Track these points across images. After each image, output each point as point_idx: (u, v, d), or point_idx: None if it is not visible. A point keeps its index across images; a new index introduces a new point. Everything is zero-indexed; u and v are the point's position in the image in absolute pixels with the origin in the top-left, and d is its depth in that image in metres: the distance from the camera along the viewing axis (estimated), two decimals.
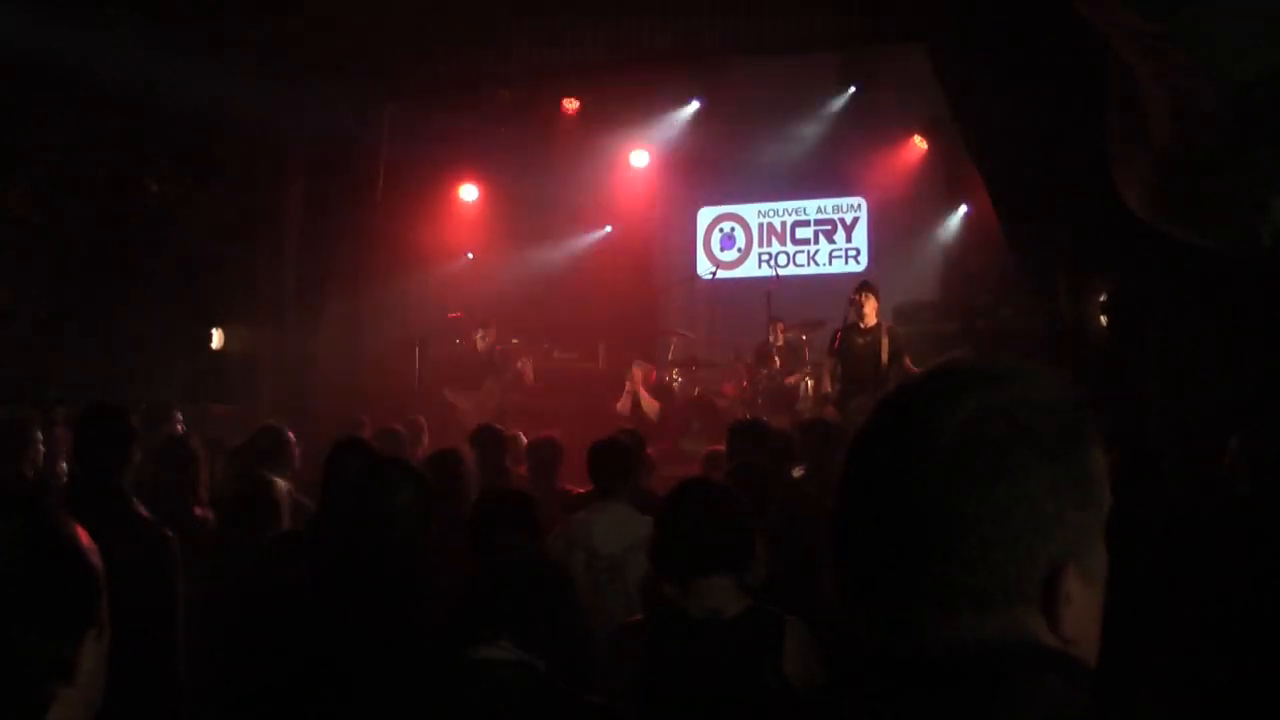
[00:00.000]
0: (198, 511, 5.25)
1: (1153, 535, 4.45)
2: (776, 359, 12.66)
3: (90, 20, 9.24)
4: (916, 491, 1.11)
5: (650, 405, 10.89)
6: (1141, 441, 5.77)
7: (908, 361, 9.55)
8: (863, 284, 10.02)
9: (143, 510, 4.10)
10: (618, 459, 5.12)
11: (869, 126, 13.56)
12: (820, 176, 14.39)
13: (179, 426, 7.55)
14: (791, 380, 12.51)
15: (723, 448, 6.02)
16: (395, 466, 3.43)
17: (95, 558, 1.36)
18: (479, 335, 11.68)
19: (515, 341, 12.44)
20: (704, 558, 3.12)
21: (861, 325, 9.79)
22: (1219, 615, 4.55)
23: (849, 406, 9.52)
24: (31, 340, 9.84)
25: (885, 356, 9.56)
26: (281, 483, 5.11)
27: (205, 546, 4.85)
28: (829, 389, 10.04)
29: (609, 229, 15.19)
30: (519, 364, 11.34)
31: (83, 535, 1.36)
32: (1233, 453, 5.00)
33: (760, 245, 15.66)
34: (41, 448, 5.60)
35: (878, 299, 9.86)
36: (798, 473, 6.53)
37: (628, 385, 11.05)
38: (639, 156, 14.99)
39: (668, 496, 3.38)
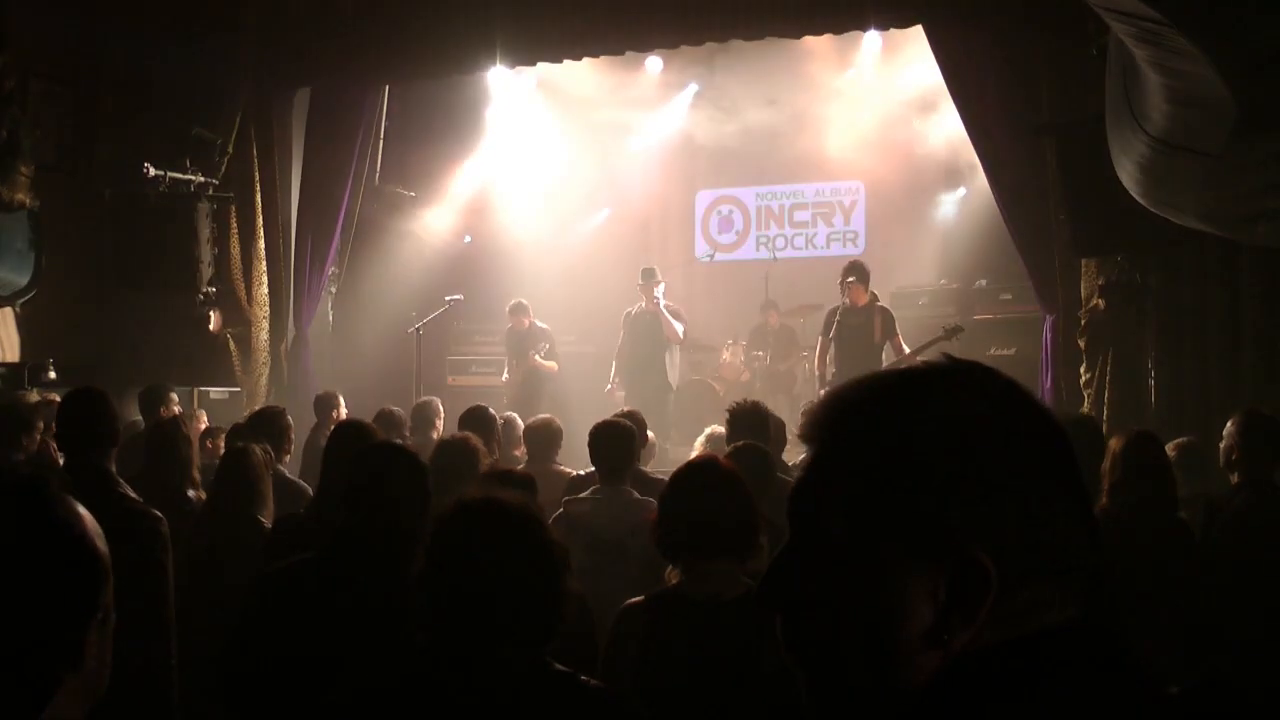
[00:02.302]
0: (190, 493, 5.27)
1: (1158, 520, 4.47)
2: (773, 342, 12.69)
3: (93, 6, 9.20)
4: None
5: (673, 331, 11.01)
6: (1144, 426, 5.79)
7: (899, 340, 9.69)
8: (849, 267, 10.10)
9: (130, 492, 4.09)
10: (619, 442, 5.12)
11: (867, 109, 13.52)
12: (819, 160, 14.36)
13: (175, 409, 7.56)
14: (788, 363, 12.54)
15: (723, 430, 6.02)
16: (388, 450, 3.41)
17: (100, 543, 1.36)
18: (519, 316, 11.80)
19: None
20: (707, 540, 3.13)
21: (854, 306, 9.88)
22: (1221, 597, 4.56)
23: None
24: (31, 322, 9.83)
25: (878, 335, 9.66)
26: (260, 450, 5.11)
27: (198, 527, 4.87)
28: (822, 371, 10.10)
29: (607, 211, 15.17)
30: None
31: (88, 520, 1.36)
32: (1229, 435, 5.02)
33: (758, 228, 15.65)
34: (39, 436, 5.61)
35: (866, 281, 9.94)
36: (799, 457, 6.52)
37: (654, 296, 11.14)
38: (638, 139, 14.96)
39: (673, 477, 3.38)
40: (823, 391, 9.81)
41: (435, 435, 7.62)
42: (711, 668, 3.03)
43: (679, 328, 11.06)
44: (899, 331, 9.90)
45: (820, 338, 10.27)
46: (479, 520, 2.30)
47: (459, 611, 2.23)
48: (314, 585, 3.09)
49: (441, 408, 8.20)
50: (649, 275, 11.13)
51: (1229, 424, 5.07)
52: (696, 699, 3.03)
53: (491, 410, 6.49)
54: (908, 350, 9.67)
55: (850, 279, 9.98)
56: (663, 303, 11.13)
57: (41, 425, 5.60)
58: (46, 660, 1.29)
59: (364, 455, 3.33)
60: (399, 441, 3.48)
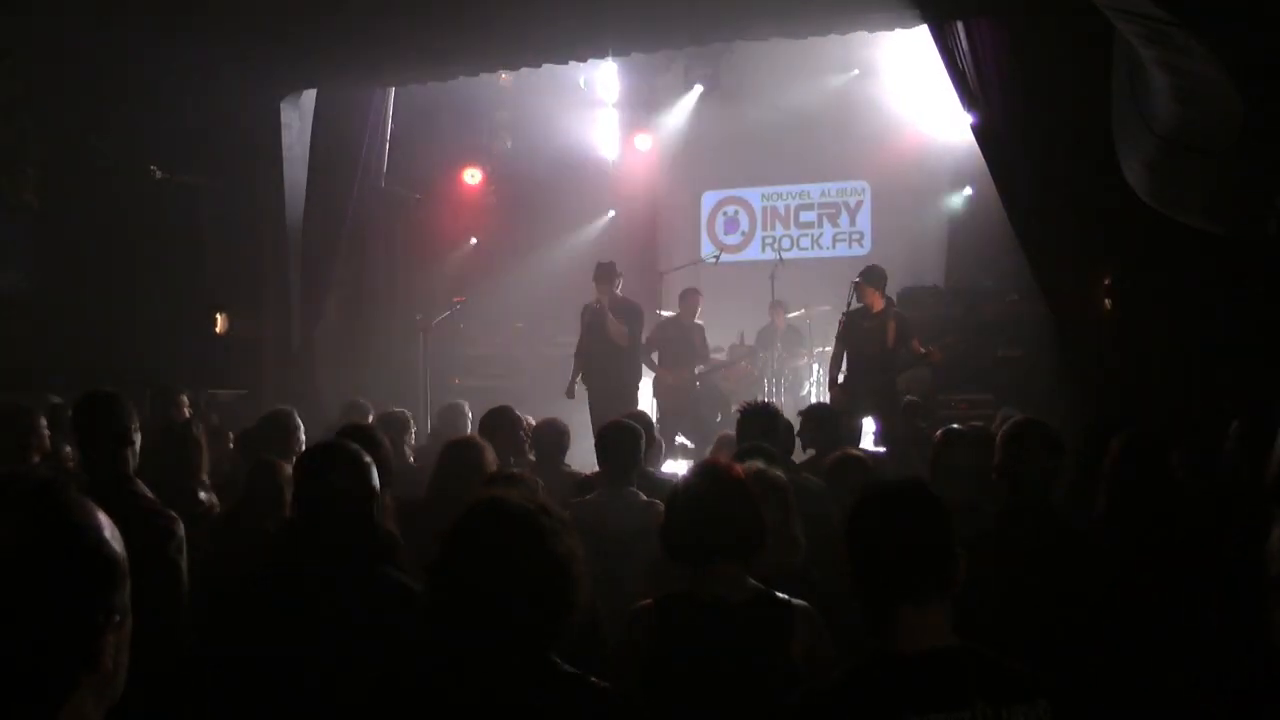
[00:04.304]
0: (200, 496, 5.26)
1: (1159, 520, 4.46)
2: (780, 343, 12.68)
3: (99, 8, 9.22)
4: None
5: (619, 331, 10.17)
6: (1147, 427, 5.77)
7: (916, 344, 9.54)
8: (863, 272, 9.99)
9: (147, 493, 4.10)
10: (627, 443, 5.12)
11: (873, 109, 13.52)
12: (824, 160, 14.36)
13: (186, 411, 7.57)
14: (795, 364, 12.54)
15: (733, 433, 6.01)
16: (328, 450, 3.38)
17: (117, 545, 1.37)
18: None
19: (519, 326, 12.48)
20: (714, 543, 3.13)
21: (868, 310, 9.78)
22: (1223, 600, 4.56)
23: (856, 390, 9.54)
24: (37, 325, 9.85)
25: (891, 339, 9.56)
26: (288, 468, 5.10)
27: (208, 531, 4.86)
28: (833, 375, 10.03)
29: (613, 213, 15.18)
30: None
31: (105, 523, 1.37)
32: (1234, 438, 5.01)
33: (764, 229, 15.66)
34: (46, 433, 5.61)
35: (879, 286, 9.83)
36: (801, 457, 6.53)
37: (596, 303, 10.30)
38: (643, 140, 14.97)
39: (680, 481, 3.38)
40: (836, 393, 9.81)
41: None
42: (719, 670, 3.03)
43: (625, 329, 10.18)
44: (914, 336, 9.70)
45: (836, 344, 10.14)
46: (490, 522, 2.30)
47: (468, 613, 2.23)
48: (265, 588, 3.14)
49: (469, 410, 8.13)
50: (602, 271, 10.28)
51: (1234, 425, 5.06)
52: (705, 701, 3.03)
53: (515, 412, 6.47)
54: (923, 352, 9.57)
55: (858, 281, 9.90)
56: (607, 299, 10.22)
57: (45, 425, 5.61)
58: (64, 661, 1.30)
59: (304, 456, 3.34)
60: (346, 443, 3.44)
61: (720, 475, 3.29)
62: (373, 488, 3.21)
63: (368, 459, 3.27)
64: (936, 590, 2.34)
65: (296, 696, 2.90)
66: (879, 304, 9.78)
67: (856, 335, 9.75)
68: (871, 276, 9.83)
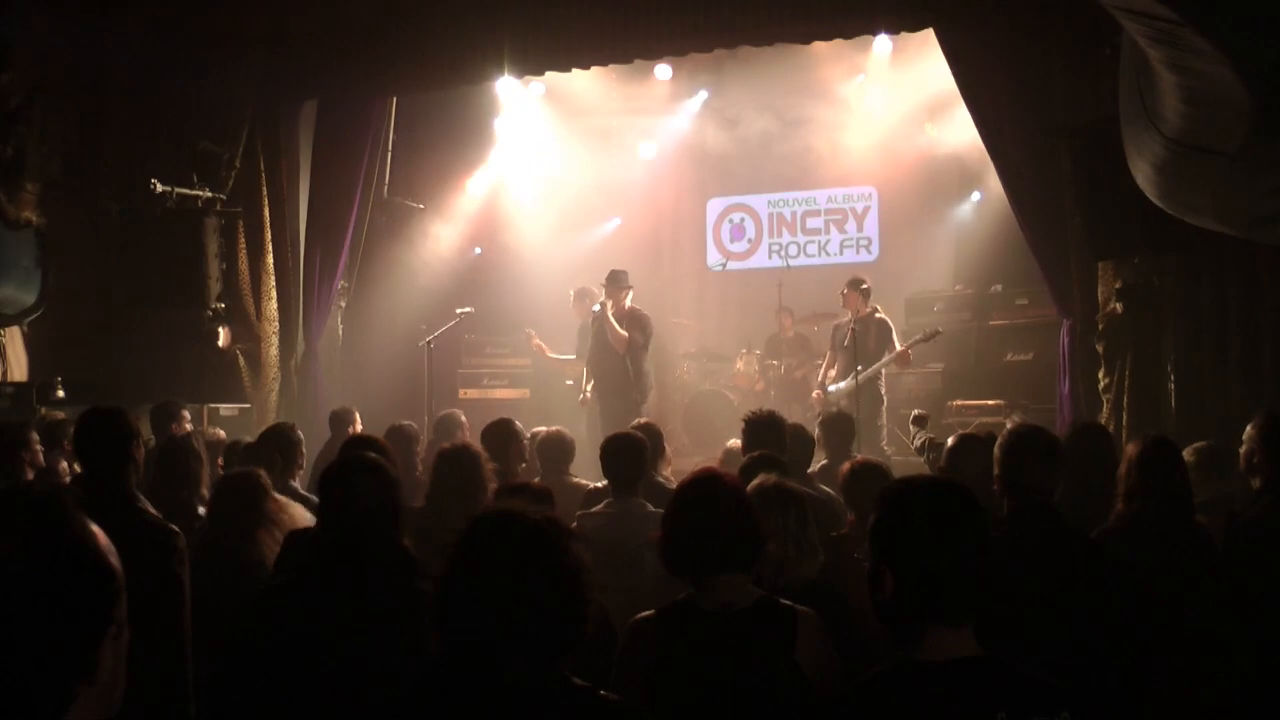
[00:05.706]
0: (200, 510, 5.25)
1: (1179, 523, 4.41)
2: (787, 350, 12.65)
3: (98, 22, 9.21)
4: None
5: (617, 336, 10.12)
6: (1161, 430, 5.72)
7: (895, 345, 10.33)
8: (849, 282, 10.73)
9: (149, 508, 4.10)
10: (632, 453, 5.11)
11: (879, 114, 13.47)
12: (830, 166, 14.31)
13: (187, 426, 7.54)
14: (802, 372, 12.50)
15: (739, 442, 5.96)
16: (355, 462, 3.36)
17: (114, 559, 1.40)
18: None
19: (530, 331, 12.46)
20: (712, 555, 3.09)
21: (858, 317, 10.46)
22: (1242, 603, 4.49)
23: (836, 392, 10.39)
24: (39, 340, 9.82)
25: (873, 343, 10.30)
26: (261, 472, 5.04)
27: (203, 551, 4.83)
28: (824, 381, 10.63)
29: (618, 220, 15.15)
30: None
31: (101, 537, 1.40)
32: (1250, 438, 4.95)
33: (770, 236, 15.61)
34: (39, 448, 5.60)
35: (863, 294, 10.53)
36: (815, 466, 6.47)
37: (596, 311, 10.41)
38: (648, 147, 14.93)
39: (675, 493, 3.34)
40: (817, 393, 10.66)
41: None
42: (725, 678, 3.00)
43: (624, 335, 10.12)
44: (895, 340, 10.38)
45: (829, 352, 10.54)
46: (501, 534, 2.26)
47: (477, 624, 2.20)
48: (291, 604, 3.11)
49: (464, 418, 8.15)
50: (613, 279, 10.34)
51: (1249, 427, 5.00)
52: (710, 710, 3.00)
53: (516, 424, 6.44)
54: (899, 347, 10.32)
55: (845, 290, 10.66)
56: (613, 307, 10.25)
57: (38, 440, 5.59)
58: (61, 673, 1.33)
59: (330, 470, 3.31)
60: (372, 455, 3.41)
61: (713, 484, 3.25)
62: (400, 502, 3.20)
63: (395, 475, 3.26)
64: (974, 614, 2.27)
65: (326, 707, 2.88)
66: (865, 311, 10.47)
67: (842, 341, 10.45)
68: (855, 284, 10.60)
